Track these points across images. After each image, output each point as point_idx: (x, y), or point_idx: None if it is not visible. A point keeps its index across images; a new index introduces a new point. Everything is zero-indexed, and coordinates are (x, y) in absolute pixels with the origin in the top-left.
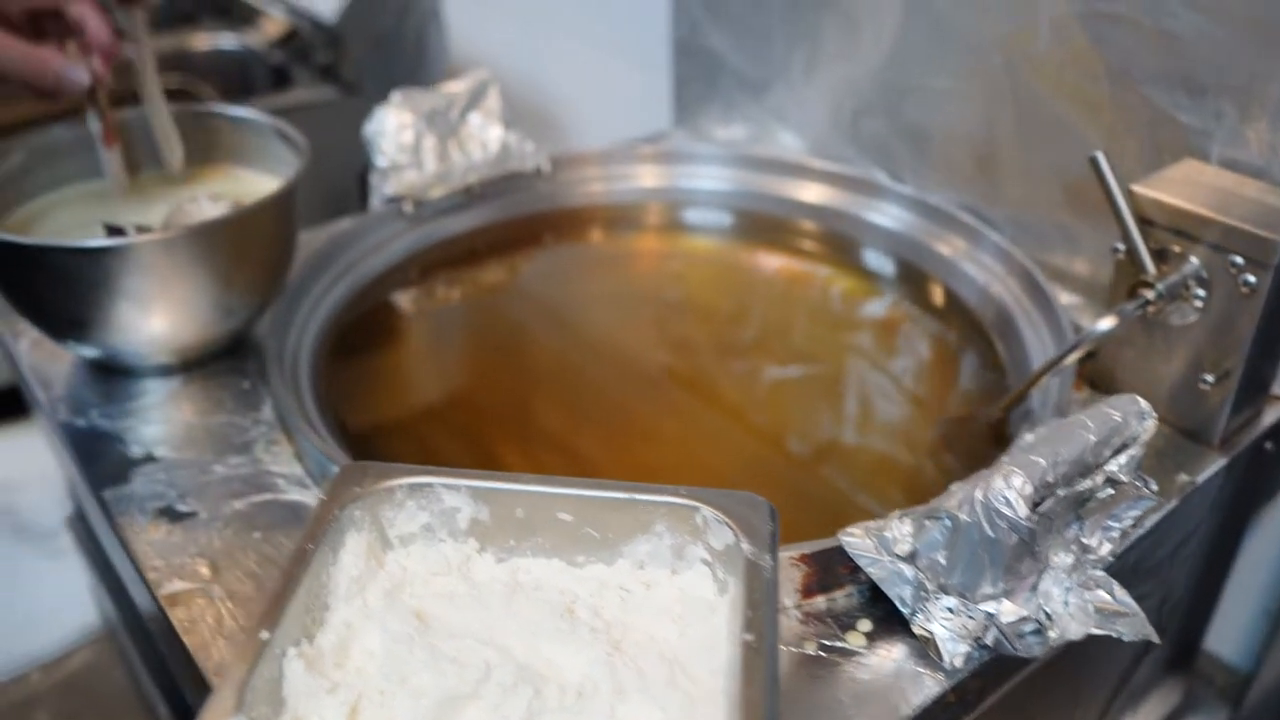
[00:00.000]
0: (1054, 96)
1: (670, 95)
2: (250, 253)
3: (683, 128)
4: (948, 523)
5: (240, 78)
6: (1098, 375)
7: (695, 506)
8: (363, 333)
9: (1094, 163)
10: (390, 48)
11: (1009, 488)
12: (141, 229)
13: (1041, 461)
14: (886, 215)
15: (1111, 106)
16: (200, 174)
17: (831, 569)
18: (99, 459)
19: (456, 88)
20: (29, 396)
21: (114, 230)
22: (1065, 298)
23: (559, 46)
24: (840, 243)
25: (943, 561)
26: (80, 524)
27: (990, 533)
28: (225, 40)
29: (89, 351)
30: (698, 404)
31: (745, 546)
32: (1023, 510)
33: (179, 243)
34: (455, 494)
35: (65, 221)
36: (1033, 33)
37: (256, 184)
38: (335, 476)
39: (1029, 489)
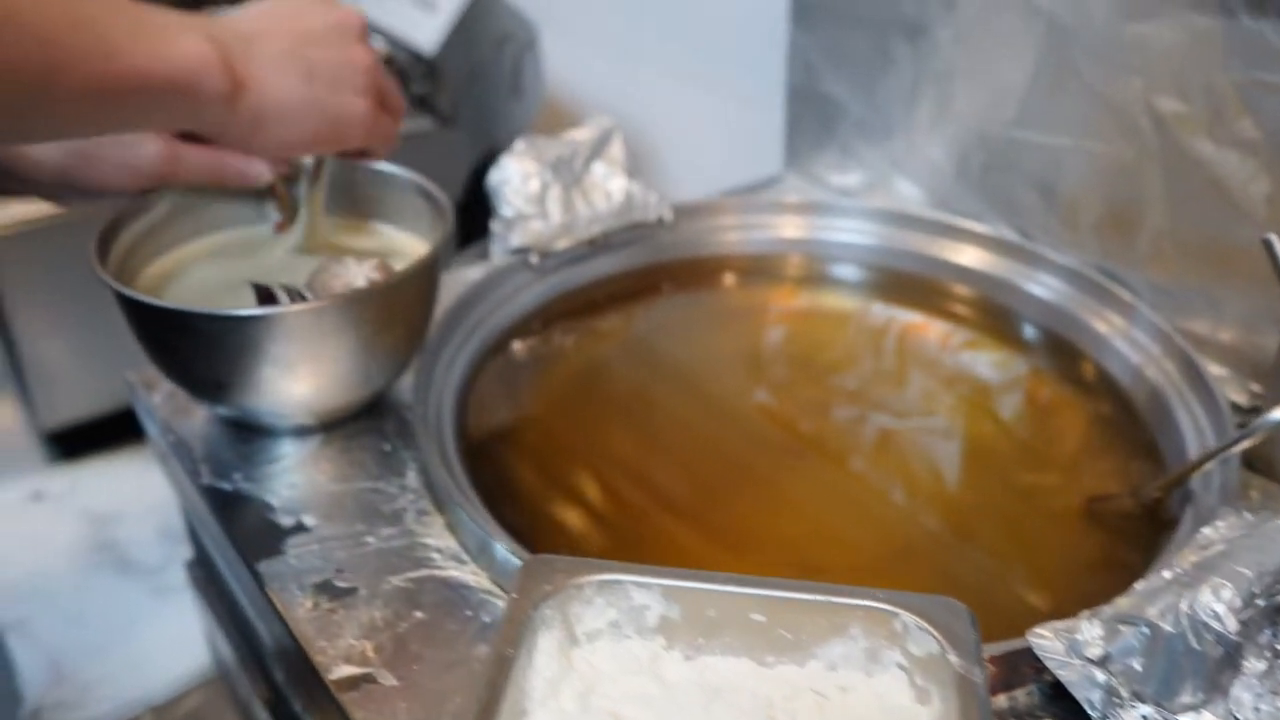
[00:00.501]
0: (1205, 161)
1: (781, 139)
2: (397, 317)
3: (794, 172)
4: (1145, 630)
5: None
6: (1256, 456)
7: (895, 612)
8: (496, 392)
9: (1267, 245)
10: (485, 80)
11: (1218, 600)
12: (289, 290)
13: (1248, 573)
14: (1039, 283)
15: (1270, 176)
16: (341, 226)
17: (1017, 669)
18: (248, 527)
19: (580, 135)
20: (161, 451)
21: (262, 293)
22: (1211, 367)
23: (658, 83)
24: (989, 308)
25: (1138, 669)
26: (200, 569)
27: (1195, 645)
28: None
29: (227, 411)
30: (832, 473)
31: (953, 659)
32: (1232, 625)
33: (329, 310)
34: (646, 592)
35: (207, 277)
36: (1184, 96)
37: (396, 241)
38: (523, 572)
39: (1238, 603)
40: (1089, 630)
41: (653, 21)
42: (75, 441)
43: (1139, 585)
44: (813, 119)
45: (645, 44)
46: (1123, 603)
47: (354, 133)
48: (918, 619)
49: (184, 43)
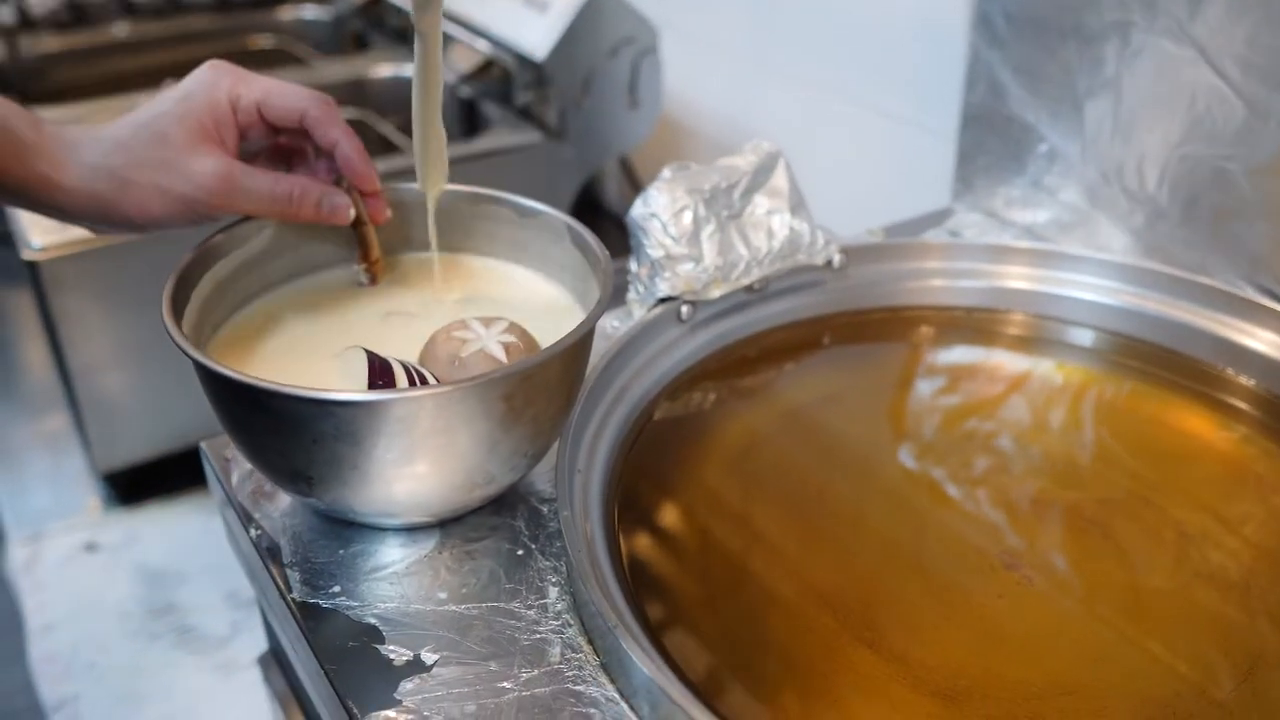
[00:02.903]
0: None
1: (951, 168)
2: (542, 396)
3: (965, 206)
4: None
5: None
6: None
7: None
8: (648, 481)
9: None
10: (600, 88)
11: None
12: (405, 365)
13: None
14: None
15: None
16: (455, 267)
17: None
18: (353, 664)
19: (739, 163)
20: (238, 545)
21: (376, 367)
22: None
23: (797, 98)
24: (1264, 403)
25: None
26: (277, 666)
27: None
28: (408, 70)
29: (319, 505)
30: (1051, 593)
31: None
32: None
33: (468, 395)
34: None
35: (299, 337)
36: None
37: (523, 285)
38: None
39: None
40: None
41: (789, 25)
42: (134, 486)
43: None
44: (995, 146)
45: (780, 51)
46: None
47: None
48: None
49: None
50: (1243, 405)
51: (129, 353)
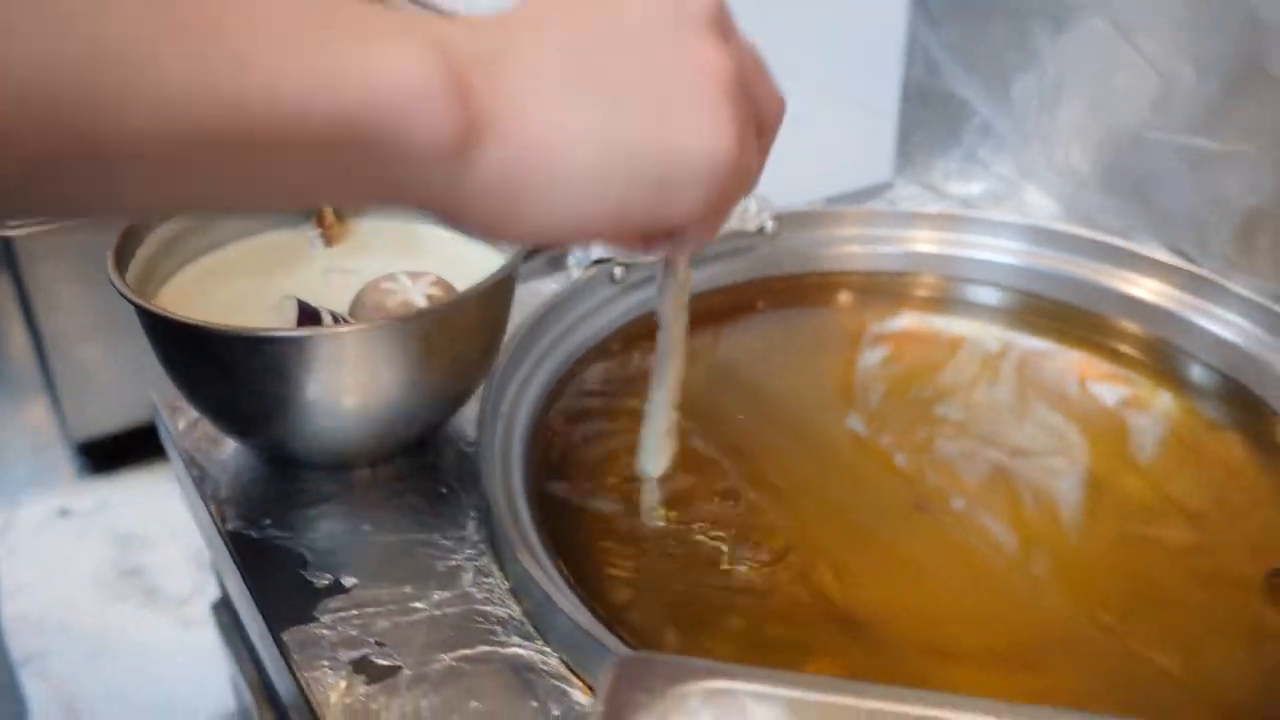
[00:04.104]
0: None
1: (893, 143)
2: (461, 341)
3: (906, 179)
4: None
5: None
6: None
7: None
8: (572, 426)
9: None
10: None
11: None
12: (335, 313)
13: None
14: (1215, 320)
15: None
16: (411, 234)
17: None
18: (277, 586)
19: None
20: (185, 487)
21: (306, 312)
22: None
23: None
24: (1159, 350)
25: None
26: (226, 613)
27: None
28: None
29: (257, 446)
30: (963, 536)
31: None
32: None
33: (382, 333)
34: (767, 706)
35: (241, 291)
36: None
37: (471, 251)
38: (613, 677)
39: None
40: None
41: (745, 6)
42: (108, 455)
43: None
44: (932, 121)
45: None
46: None
47: (686, 198)
48: None
49: (386, 51)
50: (1130, 350)
51: (102, 326)
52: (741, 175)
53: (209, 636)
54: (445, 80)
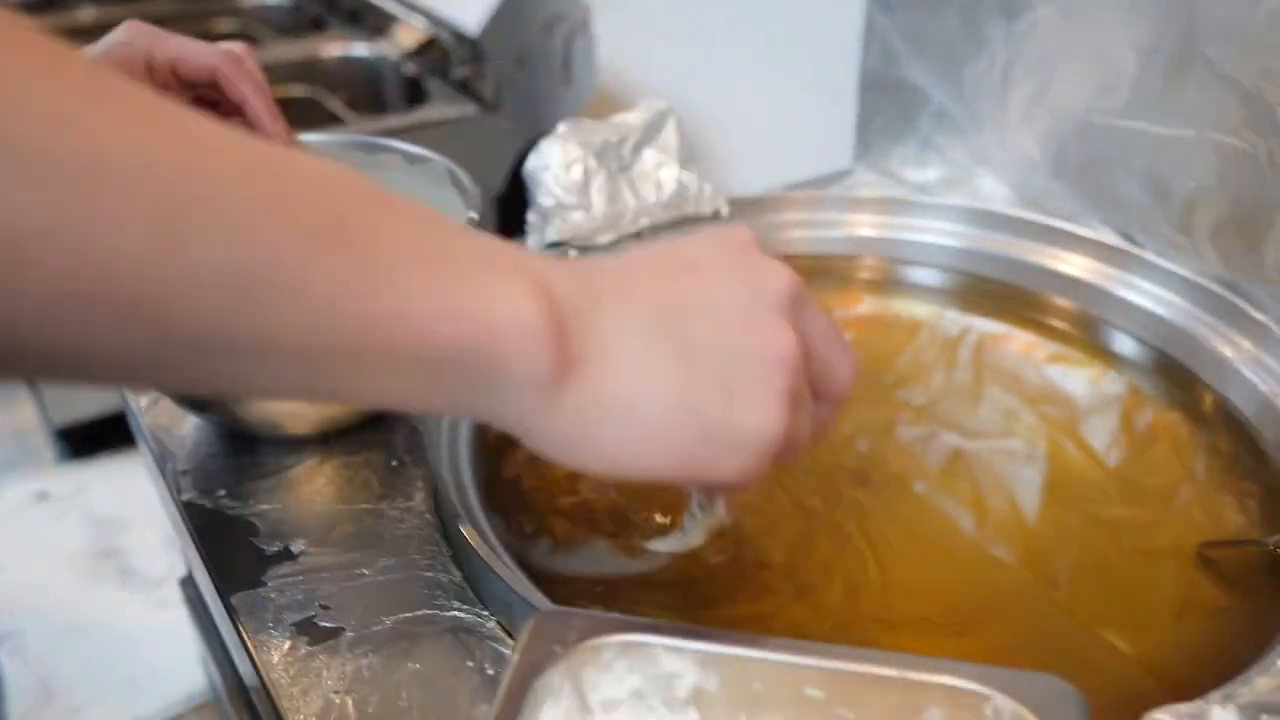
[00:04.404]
0: None
1: (852, 130)
2: None
3: (865, 166)
4: None
5: (371, 89)
6: None
7: (986, 694)
8: None
9: None
10: (534, 64)
11: None
12: None
13: None
14: (1151, 297)
15: None
16: None
17: None
18: (227, 552)
19: (631, 119)
20: (148, 462)
21: None
22: None
23: (719, 68)
24: (1091, 325)
25: None
26: (193, 589)
27: None
28: (357, 49)
29: (213, 421)
30: (903, 506)
31: None
32: None
33: None
34: (678, 657)
35: None
36: None
37: None
38: (531, 630)
39: None
40: (1222, 716)
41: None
42: (87, 440)
43: None
44: (889, 109)
45: (705, 26)
46: (1262, 684)
47: (734, 462)
48: (1015, 703)
49: (502, 289)
50: (1067, 327)
51: None
52: (787, 447)
53: (182, 617)
54: (549, 323)
